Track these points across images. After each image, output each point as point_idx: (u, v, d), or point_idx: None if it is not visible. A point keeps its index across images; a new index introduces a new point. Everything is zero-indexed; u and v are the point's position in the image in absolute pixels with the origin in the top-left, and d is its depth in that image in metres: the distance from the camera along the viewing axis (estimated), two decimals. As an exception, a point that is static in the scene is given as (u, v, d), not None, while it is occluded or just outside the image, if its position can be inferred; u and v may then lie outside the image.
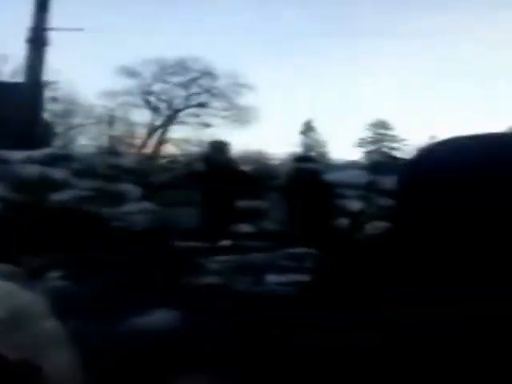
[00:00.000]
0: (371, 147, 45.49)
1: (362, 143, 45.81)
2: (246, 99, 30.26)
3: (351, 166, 11.69)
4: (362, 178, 7.32)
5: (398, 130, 45.08)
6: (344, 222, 5.92)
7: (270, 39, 51.71)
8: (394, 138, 45.89)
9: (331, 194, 5.78)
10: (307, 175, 5.90)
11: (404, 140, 44.17)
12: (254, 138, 63.44)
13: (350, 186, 6.74)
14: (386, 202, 6.09)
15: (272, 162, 17.81)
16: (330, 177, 6.56)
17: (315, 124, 40.69)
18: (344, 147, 44.90)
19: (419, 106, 64.41)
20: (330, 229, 5.34)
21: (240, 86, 30.00)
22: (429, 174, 0.77)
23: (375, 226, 5.18)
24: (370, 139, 46.40)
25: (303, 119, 36.80)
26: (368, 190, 6.83)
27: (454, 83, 50.56)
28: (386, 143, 46.03)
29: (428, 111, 66.78)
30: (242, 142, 33.88)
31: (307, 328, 0.73)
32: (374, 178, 7.22)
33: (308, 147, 38.78)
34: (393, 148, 45.21)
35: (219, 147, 7.20)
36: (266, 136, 48.35)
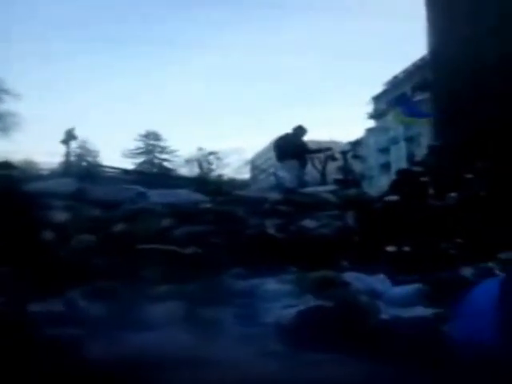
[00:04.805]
0: (142, 158, 45.16)
1: (131, 154, 45.10)
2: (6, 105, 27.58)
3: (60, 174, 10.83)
4: (69, 186, 6.65)
5: (168, 142, 45.50)
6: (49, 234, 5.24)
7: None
8: (164, 150, 46.19)
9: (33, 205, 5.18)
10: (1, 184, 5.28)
11: (175, 151, 44.80)
12: (16, 146, 58.01)
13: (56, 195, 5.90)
14: (95, 212, 5.62)
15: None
16: (34, 186, 5.94)
17: (81, 133, 38.56)
18: (116, 157, 43.40)
19: (187, 118, 66.59)
20: (33, 243, 4.70)
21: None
22: None
23: (82, 239, 4.82)
24: (139, 150, 45.94)
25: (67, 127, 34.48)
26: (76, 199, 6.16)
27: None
28: (156, 154, 46.09)
29: (196, 124, 69.50)
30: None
31: None
32: (83, 186, 6.41)
33: (78, 157, 36.74)
34: (163, 159, 45.51)
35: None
36: (32, 144, 44.29)
